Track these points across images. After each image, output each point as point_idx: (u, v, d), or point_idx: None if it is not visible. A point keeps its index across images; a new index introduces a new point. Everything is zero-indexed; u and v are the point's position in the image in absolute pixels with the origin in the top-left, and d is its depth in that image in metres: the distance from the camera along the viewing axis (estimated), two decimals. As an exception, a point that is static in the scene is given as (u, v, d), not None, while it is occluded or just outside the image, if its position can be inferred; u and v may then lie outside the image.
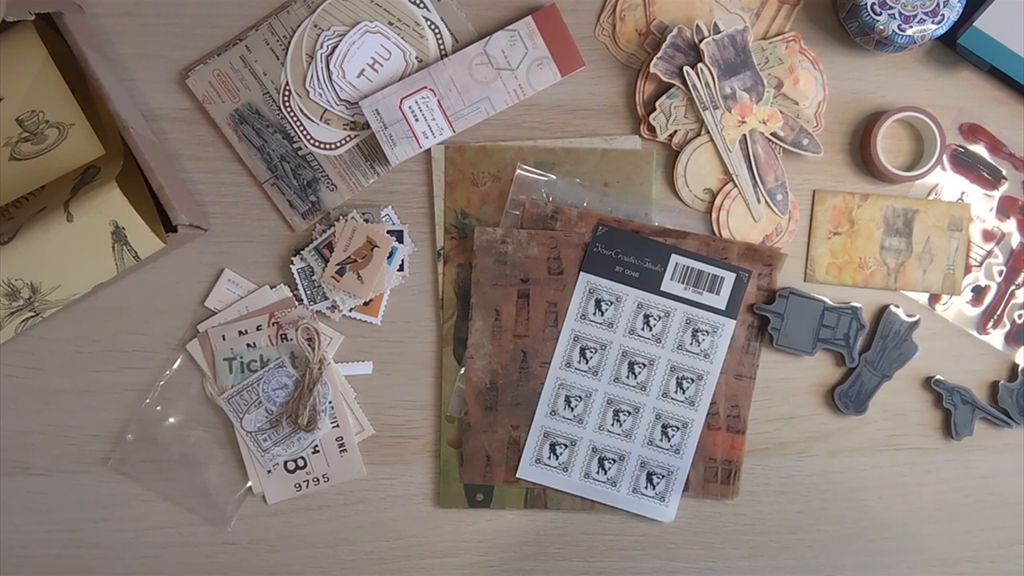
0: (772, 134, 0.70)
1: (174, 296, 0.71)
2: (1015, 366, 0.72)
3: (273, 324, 0.70)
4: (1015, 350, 0.72)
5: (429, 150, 0.70)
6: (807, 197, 0.71)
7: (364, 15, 0.69)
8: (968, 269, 0.71)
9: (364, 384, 0.72)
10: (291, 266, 0.70)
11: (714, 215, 0.70)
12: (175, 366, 0.71)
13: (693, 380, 0.70)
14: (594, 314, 0.70)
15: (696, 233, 0.71)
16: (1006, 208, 0.71)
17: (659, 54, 0.68)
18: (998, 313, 0.72)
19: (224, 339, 0.70)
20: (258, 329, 0.70)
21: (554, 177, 0.71)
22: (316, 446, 0.71)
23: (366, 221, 0.70)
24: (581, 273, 0.70)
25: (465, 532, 0.73)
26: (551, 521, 0.73)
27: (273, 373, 0.70)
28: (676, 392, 0.71)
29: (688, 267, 0.70)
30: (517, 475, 0.71)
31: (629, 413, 0.71)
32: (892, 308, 0.71)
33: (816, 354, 0.71)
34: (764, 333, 0.71)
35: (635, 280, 0.70)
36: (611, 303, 0.70)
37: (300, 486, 0.71)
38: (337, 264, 0.69)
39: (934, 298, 0.72)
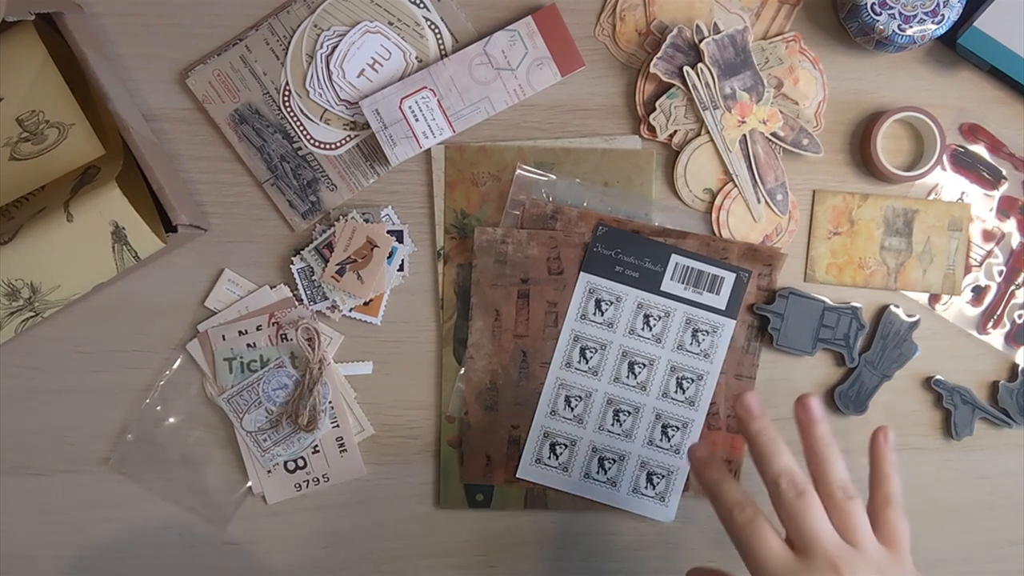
0: (772, 134, 0.70)
1: (174, 296, 0.71)
2: (1015, 366, 0.72)
3: (273, 324, 0.70)
4: (1015, 350, 0.72)
5: (429, 150, 0.70)
6: (807, 197, 0.71)
7: (364, 15, 0.69)
8: (968, 269, 0.71)
9: (364, 384, 0.72)
10: (291, 266, 0.70)
11: (714, 215, 0.71)
12: (175, 366, 0.71)
13: (693, 380, 0.70)
14: (594, 314, 0.70)
15: (696, 233, 0.71)
16: (1006, 208, 0.72)
17: (659, 54, 0.68)
18: (998, 313, 0.72)
19: (224, 339, 0.70)
20: (258, 329, 0.70)
21: (554, 177, 0.71)
22: (316, 446, 0.71)
23: (366, 221, 0.70)
24: (581, 273, 0.70)
25: (465, 532, 0.73)
26: (551, 521, 0.73)
27: (273, 373, 0.70)
28: (676, 392, 0.71)
29: (688, 267, 0.70)
30: (517, 475, 0.71)
31: (629, 413, 0.71)
32: (892, 308, 0.71)
33: (816, 354, 0.71)
34: (764, 333, 0.71)
35: (635, 280, 0.70)
36: (611, 303, 0.70)
37: (300, 486, 0.71)
38: (337, 264, 0.69)
39: (934, 298, 0.72)
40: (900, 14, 0.65)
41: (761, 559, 0.51)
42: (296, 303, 0.70)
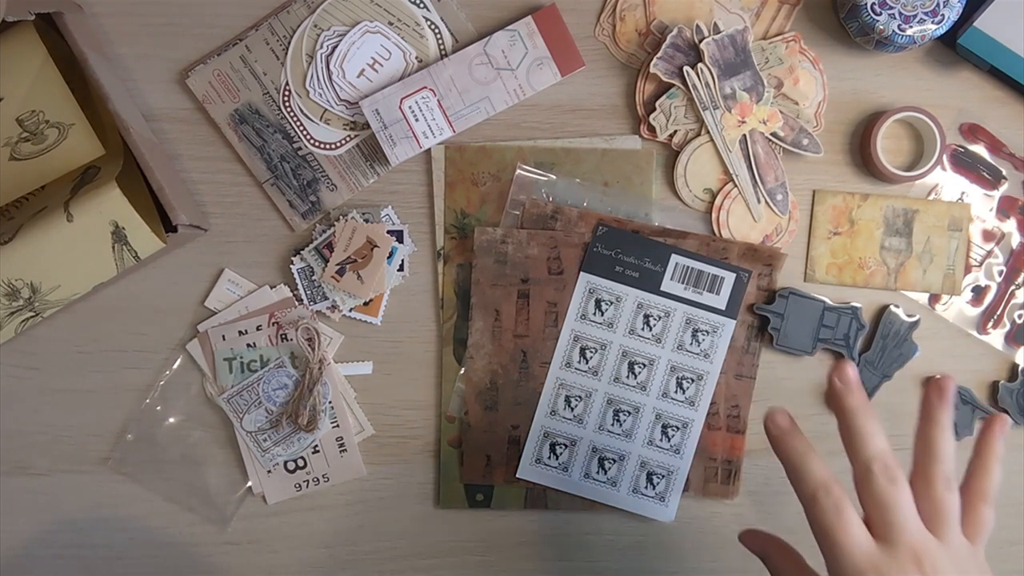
0: (772, 134, 0.70)
1: (174, 296, 0.71)
2: (1015, 366, 0.72)
3: (273, 324, 0.70)
4: (1015, 350, 0.72)
5: (429, 150, 0.70)
6: (807, 197, 0.71)
7: (364, 15, 0.69)
8: (968, 269, 0.71)
9: (364, 384, 0.72)
10: (291, 266, 0.70)
11: (714, 215, 0.71)
12: (175, 366, 0.71)
13: (693, 380, 0.70)
14: (594, 314, 0.70)
15: (696, 233, 0.71)
16: (1006, 208, 0.72)
17: (659, 54, 0.68)
18: (998, 313, 0.72)
19: (224, 339, 0.70)
20: (258, 329, 0.70)
21: (554, 177, 0.71)
22: (316, 446, 0.71)
23: (366, 221, 0.70)
24: (581, 273, 0.70)
25: (465, 532, 0.73)
26: (551, 521, 0.73)
27: (273, 373, 0.70)
28: (676, 392, 0.71)
29: (688, 267, 0.70)
30: (517, 475, 0.71)
31: (629, 413, 0.71)
32: (892, 308, 0.71)
33: (816, 354, 0.71)
34: (764, 333, 0.71)
35: (635, 280, 0.70)
36: (611, 303, 0.70)
37: (300, 486, 0.71)
38: (337, 264, 0.69)
39: (934, 298, 0.72)
40: (900, 14, 0.65)
41: (844, 546, 0.49)
42: (296, 303, 0.70)
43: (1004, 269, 0.72)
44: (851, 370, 0.53)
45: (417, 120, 0.68)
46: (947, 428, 0.53)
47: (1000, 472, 0.54)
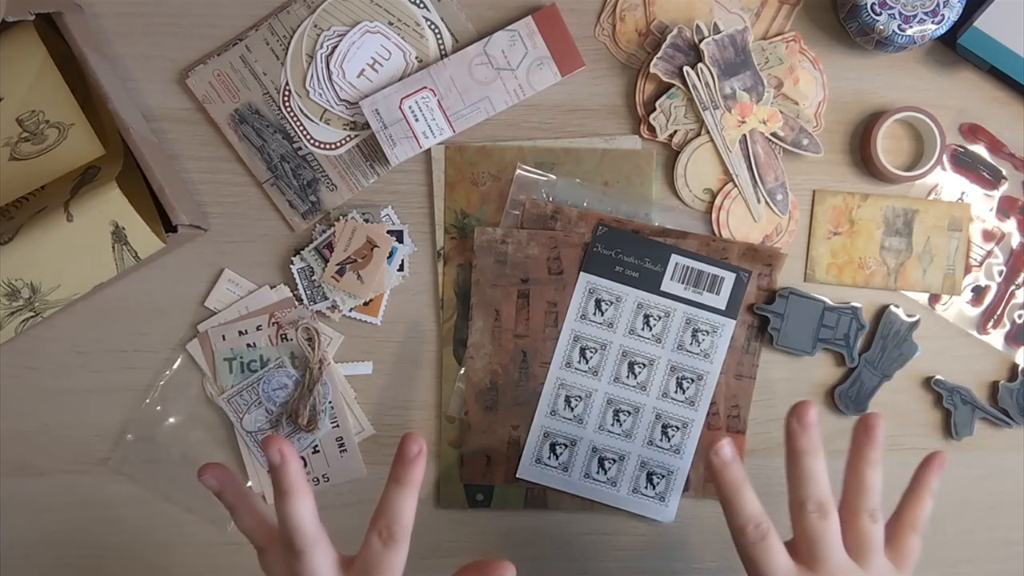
0: (772, 134, 0.70)
1: (174, 296, 0.71)
2: (1015, 366, 0.72)
3: (273, 324, 0.70)
4: (1015, 350, 0.72)
5: (429, 150, 0.70)
6: (807, 197, 0.71)
7: (364, 15, 0.69)
8: (968, 269, 0.72)
9: (364, 384, 0.72)
10: (291, 266, 0.70)
11: (714, 215, 0.71)
12: (175, 366, 0.71)
13: (693, 380, 0.70)
14: (594, 314, 0.70)
15: (696, 233, 0.71)
16: (1006, 208, 0.72)
17: (659, 54, 0.68)
18: (998, 313, 0.72)
19: (224, 339, 0.70)
20: (258, 329, 0.70)
21: (554, 177, 0.71)
22: (316, 446, 0.71)
23: (366, 221, 0.70)
24: (581, 273, 0.70)
25: (465, 532, 0.73)
26: (551, 521, 0.73)
27: (273, 373, 0.70)
28: (676, 392, 0.71)
29: (688, 267, 0.70)
30: (517, 475, 0.71)
31: (629, 413, 0.71)
32: (892, 308, 0.71)
33: (816, 354, 0.71)
34: (764, 333, 0.71)
35: (635, 280, 0.70)
36: (611, 303, 0.70)
37: (300, 486, 0.71)
38: (337, 264, 0.69)
39: (934, 298, 0.72)
40: (900, 14, 0.65)
41: (768, 573, 0.53)
42: (296, 303, 0.70)
43: (1004, 269, 0.72)
44: (811, 413, 0.55)
45: (417, 120, 0.68)
46: (876, 464, 0.56)
47: (931, 505, 0.57)
